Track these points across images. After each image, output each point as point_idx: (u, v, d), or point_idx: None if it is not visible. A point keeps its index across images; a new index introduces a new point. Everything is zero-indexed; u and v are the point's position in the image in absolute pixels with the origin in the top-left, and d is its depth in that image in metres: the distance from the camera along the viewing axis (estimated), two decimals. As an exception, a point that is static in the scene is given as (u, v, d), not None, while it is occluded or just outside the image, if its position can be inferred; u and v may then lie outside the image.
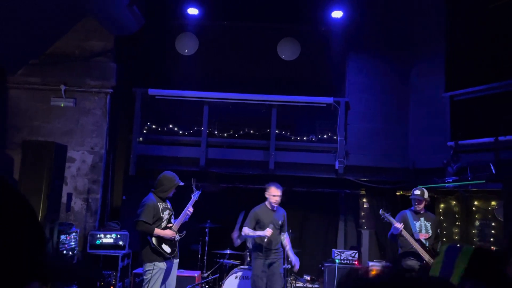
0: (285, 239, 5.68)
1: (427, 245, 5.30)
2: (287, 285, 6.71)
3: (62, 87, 7.02)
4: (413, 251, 5.24)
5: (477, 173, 5.97)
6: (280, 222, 5.52)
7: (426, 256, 5.20)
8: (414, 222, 5.39)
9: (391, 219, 5.35)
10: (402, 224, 5.28)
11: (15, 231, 0.67)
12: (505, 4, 6.33)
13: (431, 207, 6.50)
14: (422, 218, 5.44)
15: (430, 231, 5.39)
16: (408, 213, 5.48)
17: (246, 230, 5.48)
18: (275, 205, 5.54)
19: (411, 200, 5.56)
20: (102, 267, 6.18)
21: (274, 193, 5.48)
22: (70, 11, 6.82)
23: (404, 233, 5.24)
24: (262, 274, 5.41)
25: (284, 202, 6.13)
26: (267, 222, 5.40)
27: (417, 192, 5.48)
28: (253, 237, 5.47)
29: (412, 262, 5.24)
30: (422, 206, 5.46)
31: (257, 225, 5.47)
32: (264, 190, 5.66)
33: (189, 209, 5.08)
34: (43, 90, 7.06)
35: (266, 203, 5.57)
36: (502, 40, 6.42)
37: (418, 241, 5.26)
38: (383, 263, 6.96)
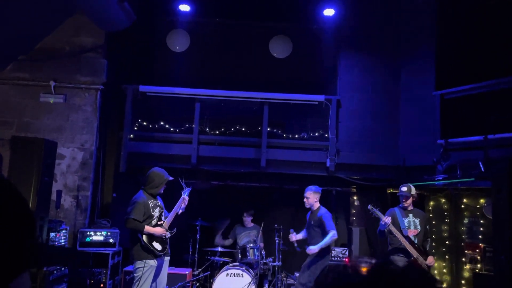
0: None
1: (416, 241, 5.34)
2: (278, 282, 6.73)
3: (52, 83, 6.95)
4: (402, 248, 5.28)
5: (467, 171, 6.03)
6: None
7: (414, 253, 5.24)
8: (403, 218, 5.43)
9: (379, 214, 5.38)
10: (389, 217, 5.31)
11: (6, 222, 0.66)
12: (495, 3, 6.39)
13: (420, 205, 6.55)
14: (410, 215, 5.48)
15: (419, 227, 5.43)
16: (396, 210, 5.52)
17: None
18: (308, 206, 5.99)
19: (396, 197, 5.61)
20: (92, 264, 6.13)
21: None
22: (60, 7, 6.74)
23: (393, 229, 5.27)
24: None
25: (275, 200, 6.17)
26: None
27: (404, 188, 5.52)
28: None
29: (400, 259, 5.28)
30: (409, 202, 5.50)
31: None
32: (256, 188, 5.72)
33: (185, 199, 5.08)
34: (32, 86, 6.99)
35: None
36: (492, 39, 6.49)
37: (407, 237, 5.30)
38: (365, 258, 7.01)
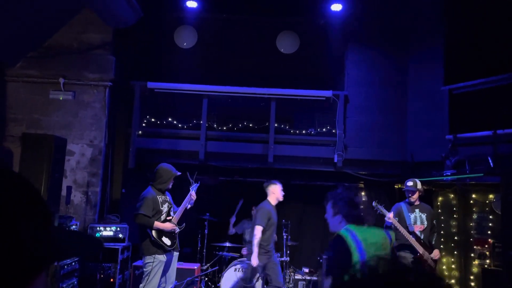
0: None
1: (422, 237, 5.32)
2: (286, 277, 6.76)
3: (61, 80, 7.00)
4: (408, 244, 5.27)
5: (475, 166, 6.00)
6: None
7: (420, 249, 5.23)
8: (409, 214, 5.41)
9: (384, 211, 5.37)
10: (392, 213, 5.30)
11: (20, 216, 0.66)
12: (504, -3, 6.32)
13: (429, 200, 6.53)
14: (417, 210, 5.46)
15: (426, 223, 5.40)
16: (403, 205, 5.50)
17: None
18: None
19: (404, 192, 5.59)
20: (102, 259, 6.20)
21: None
22: (67, 3, 6.79)
23: (398, 226, 5.26)
24: None
25: (283, 195, 6.13)
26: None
27: (410, 183, 5.50)
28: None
29: (406, 254, 5.27)
30: (416, 197, 5.48)
31: (269, 222, 5.49)
32: (263, 183, 5.72)
33: (193, 195, 5.11)
34: (41, 83, 7.05)
35: (272, 200, 5.61)
36: (501, 33, 6.42)
37: (413, 233, 5.28)
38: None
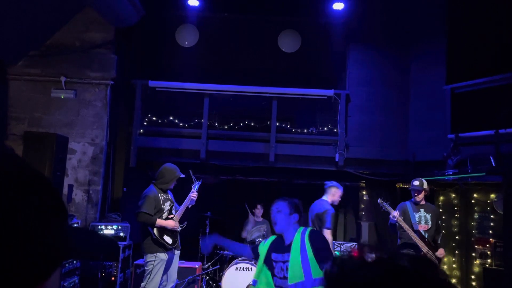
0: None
1: (426, 236, 5.32)
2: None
3: (63, 79, 7.00)
4: (411, 243, 5.27)
5: (477, 165, 5.98)
6: None
7: (424, 248, 5.22)
8: (414, 213, 5.40)
9: (389, 208, 5.36)
10: (398, 212, 5.29)
11: (43, 213, 0.65)
12: (507, -3, 6.30)
13: (430, 200, 6.52)
14: (422, 210, 5.45)
15: (430, 223, 5.39)
16: (408, 204, 5.49)
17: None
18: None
19: (410, 192, 5.57)
20: (103, 258, 6.21)
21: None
22: (69, 2, 6.79)
23: (403, 224, 5.25)
24: None
25: (284, 194, 6.11)
26: None
27: (416, 182, 5.49)
28: None
29: (409, 253, 5.26)
30: (421, 196, 5.46)
31: None
32: (265, 183, 5.74)
33: (193, 195, 5.10)
34: (43, 81, 7.05)
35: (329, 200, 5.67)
36: (503, 32, 6.41)
37: (417, 232, 5.28)
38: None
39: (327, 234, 5.17)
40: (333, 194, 5.66)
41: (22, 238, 0.61)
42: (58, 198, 0.69)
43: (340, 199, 5.72)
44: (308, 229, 3.21)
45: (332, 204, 5.57)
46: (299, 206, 3.28)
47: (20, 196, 0.62)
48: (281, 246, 3.22)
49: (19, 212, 0.61)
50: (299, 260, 3.05)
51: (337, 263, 0.79)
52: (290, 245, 3.15)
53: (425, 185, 5.48)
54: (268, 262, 3.23)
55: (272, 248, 3.27)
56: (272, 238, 3.41)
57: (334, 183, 5.76)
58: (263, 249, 3.33)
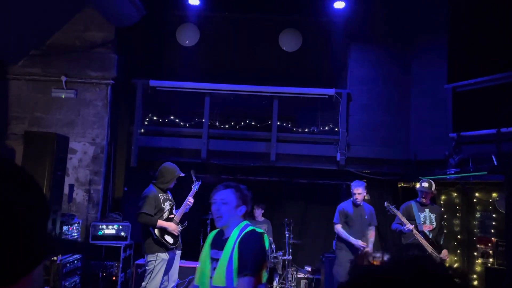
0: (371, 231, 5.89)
1: (430, 236, 5.31)
2: (288, 276, 6.75)
3: (63, 78, 6.99)
4: (416, 243, 5.26)
5: (479, 164, 5.97)
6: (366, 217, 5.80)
7: (429, 248, 5.21)
8: (419, 213, 5.39)
9: (396, 211, 5.36)
10: (411, 226, 5.29)
11: (23, 212, 0.65)
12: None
13: (432, 199, 6.50)
14: (427, 210, 5.44)
15: (434, 223, 5.39)
16: (413, 204, 5.48)
17: (340, 230, 5.72)
18: (359, 202, 5.79)
19: (417, 192, 5.55)
20: (104, 257, 6.20)
21: (354, 191, 5.78)
22: (70, 1, 6.78)
23: (415, 233, 5.26)
24: (347, 265, 5.57)
25: (285, 194, 6.13)
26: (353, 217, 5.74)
27: (425, 184, 5.45)
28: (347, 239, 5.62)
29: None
30: (428, 198, 5.47)
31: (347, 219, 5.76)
32: (266, 182, 5.74)
33: (190, 200, 5.09)
34: (44, 81, 7.04)
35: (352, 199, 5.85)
36: (505, 31, 6.38)
37: (422, 232, 5.27)
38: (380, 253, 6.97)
39: (373, 231, 5.83)
40: (352, 193, 5.84)
41: (3, 234, 0.61)
42: (40, 194, 0.69)
43: (358, 197, 5.78)
44: (249, 228, 2.68)
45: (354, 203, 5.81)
46: (247, 196, 2.77)
47: (1, 192, 0.62)
48: (219, 241, 2.73)
49: (1, 209, 0.61)
50: (226, 261, 2.58)
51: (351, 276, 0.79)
52: (226, 241, 2.67)
53: (433, 188, 5.46)
54: (208, 259, 2.77)
55: (213, 244, 2.80)
56: (214, 232, 2.91)
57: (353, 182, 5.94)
58: (206, 246, 2.84)
